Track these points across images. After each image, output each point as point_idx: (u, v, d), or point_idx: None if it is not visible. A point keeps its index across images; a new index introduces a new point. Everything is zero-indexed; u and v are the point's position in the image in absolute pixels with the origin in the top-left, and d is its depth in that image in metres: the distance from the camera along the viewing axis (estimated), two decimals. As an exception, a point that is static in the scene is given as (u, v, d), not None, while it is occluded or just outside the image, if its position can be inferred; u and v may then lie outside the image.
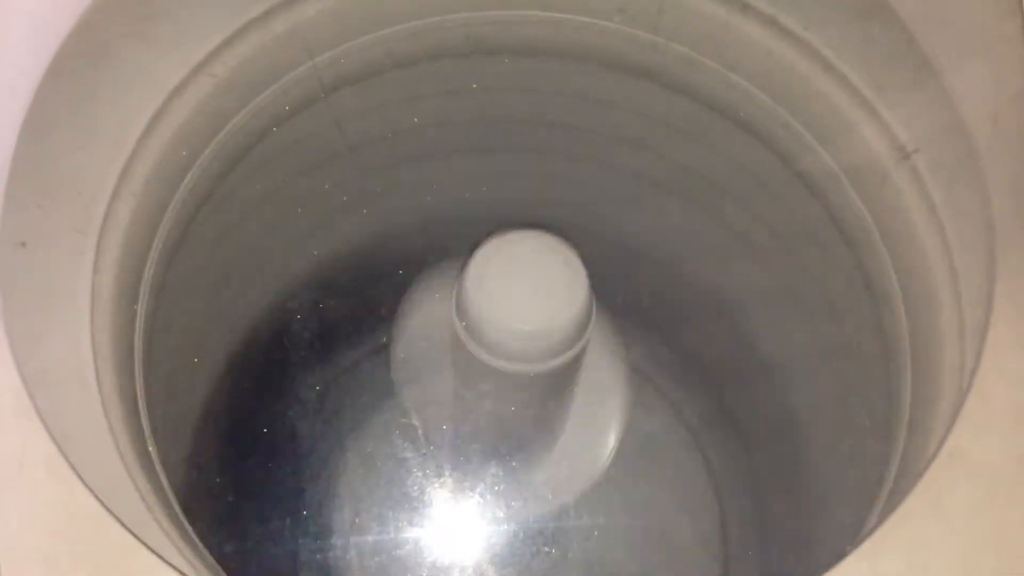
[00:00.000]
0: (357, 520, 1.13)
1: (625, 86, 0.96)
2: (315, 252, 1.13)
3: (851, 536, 0.71)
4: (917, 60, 0.75)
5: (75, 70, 0.72)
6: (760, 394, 1.14)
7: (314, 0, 0.85)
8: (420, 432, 1.08)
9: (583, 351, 0.91)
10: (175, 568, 0.60)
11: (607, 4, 0.88)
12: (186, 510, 0.74)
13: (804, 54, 0.84)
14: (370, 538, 1.11)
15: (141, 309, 0.79)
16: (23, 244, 0.70)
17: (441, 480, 1.07)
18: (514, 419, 1.01)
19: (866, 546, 0.61)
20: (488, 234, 0.88)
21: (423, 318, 1.10)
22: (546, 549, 1.10)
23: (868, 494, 0.76)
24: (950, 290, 0.75)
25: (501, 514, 1.07)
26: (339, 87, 0.93)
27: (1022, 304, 0.66)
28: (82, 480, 0.61)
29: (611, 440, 1.04)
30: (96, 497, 0.61)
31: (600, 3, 0.89)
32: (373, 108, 0.98)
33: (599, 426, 1.04)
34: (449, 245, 1.06)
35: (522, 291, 0.85)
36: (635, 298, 1.17)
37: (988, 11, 0.71)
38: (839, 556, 0.61)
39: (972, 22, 0.73)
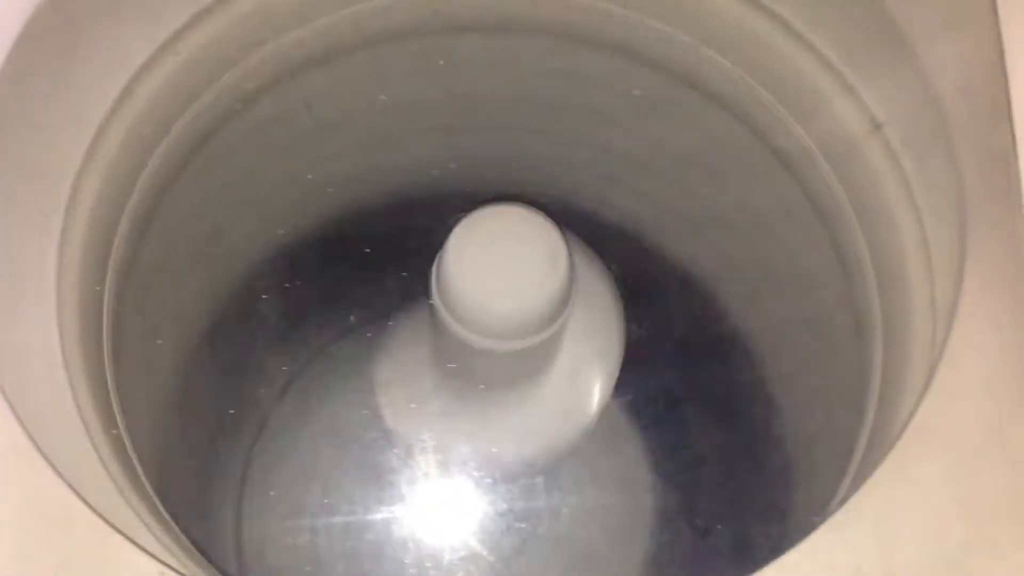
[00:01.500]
0: (326, 500, 1.13)
1: (597, 61, 0.96)
2: (282, 232, 1.12)
3: (821, 508, 0.72)
4: (889, 33, 0.75)
5: (41, 47, 0.71)
6: (730, 367, 1.15)
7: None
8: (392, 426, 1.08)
9: (563, 328, 0.91)
10: (148, 552, 0.60)
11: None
12: (159, 493, 0.73)
13: (776, 26, 0.84)
14: (339, 518, 1.11)
15: (108, 290, 0.78)
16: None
17: (413, 459, 1.07)
18: (491, 393, 1.01)
19: (836, 517, 0.61)
20: (460, 211, 0.88)
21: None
22: (518, 525, 1.11)
23: (838, 466, 0.76)
24: (922, 262, 0.75)
25: (472, 490, 1.07)
26: (307, 66, 0.92)
27: (992, 276, 0.66)
28: (51, 464, 0.61)
29: (590, 418, 1.04)
30: (65, 481, 0.60)
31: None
32: (341, 87, 0.98)
33: (581, 398, 1.04)
34: (417, 223, 1.06)
35: (501, 267, 0.84)
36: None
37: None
38: (809, 528, 0.62)
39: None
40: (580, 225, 1.03)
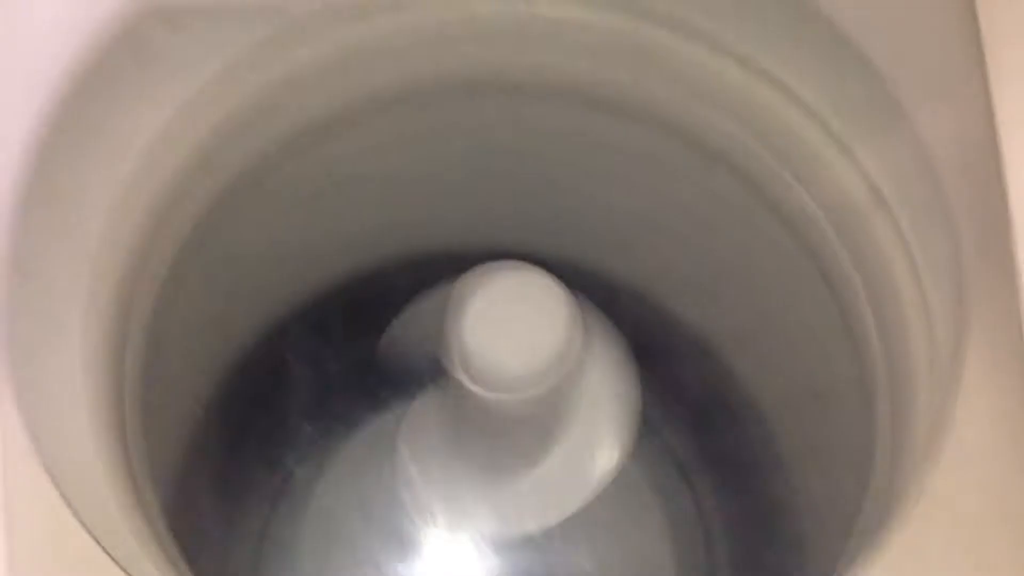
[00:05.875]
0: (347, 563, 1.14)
1: (600, 121, 0.98)
2: (302, 296, 1.13)
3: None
4: (888, 104, 0.77)
5: (64, 119, 0.73)
6: (740, 436, 1.15)
7: (304, 47, 0.86)
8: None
9: (576, 384, 0.92)
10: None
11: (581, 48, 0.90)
12: (187, 556, 0.74)
13: (780, 94, 0.85)
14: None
15: (131, 360, 0.80)
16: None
17: (432, 526, 1.08)
18: (508, 466, 1.02)
19: (843, 589, 0.62)
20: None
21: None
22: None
23: (842, 536, 0.77)
24: (924, 332, 0.76)
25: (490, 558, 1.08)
26: (328, 132, 0.94)
27: (993, 351, 0.67)
28: (84, 526, 0.62)
29: (603, 483, 1.05)
30: (98, 542, 0.62)
31: (575, 47, 0.90)
32: (360, 152, 0.99)
33: (594, 463, 1.05)
34: (434, 283, 1.07)
35: (507, 321, 0.86)
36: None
37: (952, 59, 0.73)
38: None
39: (937, 69, 0.75)
40: (588, 286, 1.03)
